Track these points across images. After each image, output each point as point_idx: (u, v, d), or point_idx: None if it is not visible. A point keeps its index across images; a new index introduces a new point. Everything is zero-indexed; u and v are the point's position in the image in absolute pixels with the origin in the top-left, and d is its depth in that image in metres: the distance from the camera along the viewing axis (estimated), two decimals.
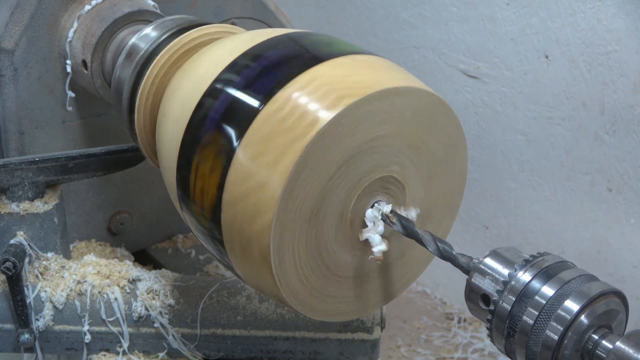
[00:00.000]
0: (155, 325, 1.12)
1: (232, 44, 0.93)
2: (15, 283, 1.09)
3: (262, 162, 0.79)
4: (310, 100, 0.80)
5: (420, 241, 0.84)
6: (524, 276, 0.74)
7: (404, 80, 0.84)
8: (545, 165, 1.84)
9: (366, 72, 0.83)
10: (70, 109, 1.25)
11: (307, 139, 0.77)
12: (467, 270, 0.80)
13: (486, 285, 0.77)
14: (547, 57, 1.75)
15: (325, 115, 0.78)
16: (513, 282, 0.75)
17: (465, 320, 2.07)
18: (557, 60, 1.73)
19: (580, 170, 1.77)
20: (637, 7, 1.58)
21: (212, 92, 0.87)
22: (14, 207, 1.13)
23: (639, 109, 1.64)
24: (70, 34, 1.20)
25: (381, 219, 0.85)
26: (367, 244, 0.87)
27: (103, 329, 1.12)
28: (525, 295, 0.74)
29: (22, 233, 1.14)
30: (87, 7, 1.19)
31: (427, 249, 0.84)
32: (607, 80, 1.66)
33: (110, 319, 1.12)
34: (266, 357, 1.13)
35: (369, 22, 2.14)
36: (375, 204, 0.85)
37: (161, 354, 1.13)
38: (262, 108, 0.81)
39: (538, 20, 1.74)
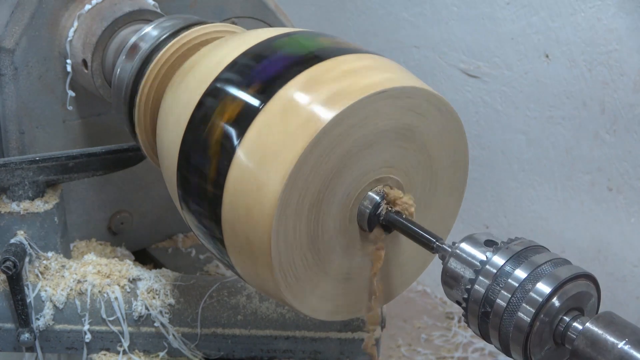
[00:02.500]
0: (156, 324, 1.12)
1: (232, 43, 0.93)
2: (16, 282, 1.09)
3: (262, 161, 0.79)
4: (311, 99, 0.80)
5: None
6: (498, 260, 0.76)
7: (405, 79, 0.84)
8: (546, 165, 1.84)
9: (366, 72, 0.83)
10: (70, 108, 1.25)
11: (307, 139, 0.77)
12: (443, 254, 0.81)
13: (461, 269, 0.78)
14: (547, 56, 1.75)
15: (326, 115, 0.78)
16: (487, 266, 0.76)
17: None
18: (558, 59, 1.73)
19: (580, 170, 1.77)
20: (637, 6, 1.58)
21: (213, 92, 0.87)
22: (14, 207, 1.13)
23: (639, 108, 1.64)
24: (71, 33, 1.20)
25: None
26: (367, 243, 0.87)
27: (103, 328, 1.12)
28: (498, 278, 0.75)
29: (22, 232, 1.14)
30: (88, 7, 1.19)
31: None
32: (607, 80, 1.66)
33: (111, 319, 1.12)
34: (266, 357, 1.13)
35: (369, 22, 2.14)
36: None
37: (161, 354, 1.13)
38: (263, 107, 0.81)
39: (538, 20, 1.74)
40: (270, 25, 1.39)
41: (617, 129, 1.68)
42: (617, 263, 1.77)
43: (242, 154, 0.81)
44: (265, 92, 0.82)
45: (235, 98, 0.84)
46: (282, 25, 1.40)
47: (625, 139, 1.67)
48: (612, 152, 1.70)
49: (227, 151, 0.82)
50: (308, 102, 0.80)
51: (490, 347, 1.97)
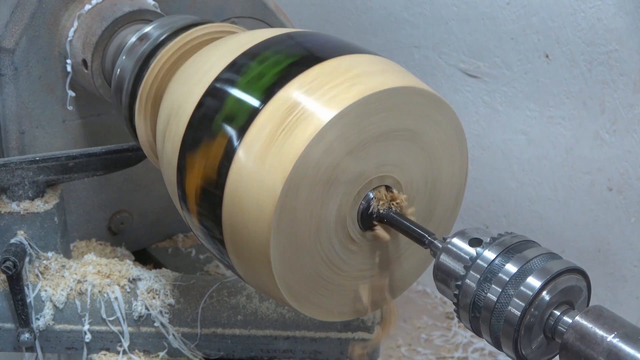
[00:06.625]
0: (156, 324, 1.12)
1: (232, 43, 0.93)
2: (16, 282, 1.09)
3: (262, 161, 0.79)
4: (311, 99, 0.80)
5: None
6: (489, 254, 0.76)
7: (404, 79, 0.84)
8: (546, 165, 1.84)
9: (366, 72, 0.83)
10: (70, 108, 1.25)
11: (307, 139, 0.77)
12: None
13: (453, 264, 0.78)
14: (547, 56, 1.75)
15: (326, 115, 0.78)
16: (478, 261, 0.76)
17: None
18: (558, 59, 1.73)
19: (580, 170, 1.77)
20: (637, 6, 1.58)
21: (213, 92, 0.87)
22: (14, 207, 1.13)
23: (639, 108, 1.64)
24: (71, 33, 1.20)
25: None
26: (367, 242, 0.87)
27: (103, 328, 1.12)
28: (489, 272, 0.75)
29: (22, 232, 1.14)
30: (88, 7, 1.19)
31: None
32: (607, 80, 1.66)
33: (111, 319, 1.12)
34: (266, 357, 1.13)
35: (369, 22, 2.14)
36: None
37: (161, 353, 1.13)
38: (263, 107, 0.81)
39: (538, 20, 1.74)
40: (270, 25, 1.39)
41: (617, 129, 1.68)
42: (617, 263, 1.77)
43: (242, 154, 0.81)
44: (266, 92, 0.82)
45: (235, 98, 0.84)
46: (282, 25, 1.40)
47: (625, 139, 1.67)
48: (612, 152, 1.70)
49: (227, 151, 0.82)
50: (308, 103, 0.80)
51: (490, 347, 1.97)
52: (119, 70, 1.08)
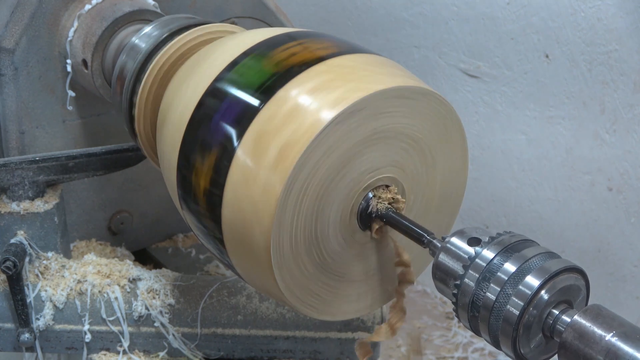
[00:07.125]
0: (156, 324, 1.12)
1: (232, 43, 0.93)
2: (16, 282, 1.09)
3: (262, 161, 0.79)
4: (311, 99, 0.80)
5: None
6: (488, 254, 0.76)
7: (405, 79, 0.84)
8: (546, 165, 1.84)
9: (367, 72, 0.83)
10: (70, 108, 1.25)
11: (308, 139, 0.77)
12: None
13: (452, 263, 0.79)
14: (547, 56, 1.75)
15: (326, 115, 0.78)
16: (477, 260, 0.76)
17: None
18: (558, 59, 1.73)
19: (580, 170, 1.77)
20: (637, 6, 1.58)
21: (213, 92, 0.87)
22: (14, 207, 1.13)
23: (639, 108, 1.64)
24: (71, 33, 1.20)
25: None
26: (367, 243, 0.87)
27: (103, 328, 1.12)
28: (488, 272, 0.75)
29: (22, 232, 1.14)
30: (88, 7, 1.19)
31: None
32: (607, 80, 1.66)
33: (111, 319, 1.12)
34: (266, 357, 1.13)
35: (369, 22, 2.14)
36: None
37: (161, 353, 1.13)
38: (263, 107, 0.81)
39: (538, 20, 1.74)
40: (270, 25, 1.39)
41: (617, 129, 1.68)
42: (617, 263, 1.77)
43: (242, 154, 0.81)
44: (265, 92, 0.82)
45: (235, 98, 0.85)
46: (282, 25, 1.40)
47: (625, 139, 1.67)
48: (612, 152, 1.70)
49: (227, 151, 0.82)
50: (308, 102, 0.80)
51: (490, 347, 1.97)
52: (118, 70, 1.08)
